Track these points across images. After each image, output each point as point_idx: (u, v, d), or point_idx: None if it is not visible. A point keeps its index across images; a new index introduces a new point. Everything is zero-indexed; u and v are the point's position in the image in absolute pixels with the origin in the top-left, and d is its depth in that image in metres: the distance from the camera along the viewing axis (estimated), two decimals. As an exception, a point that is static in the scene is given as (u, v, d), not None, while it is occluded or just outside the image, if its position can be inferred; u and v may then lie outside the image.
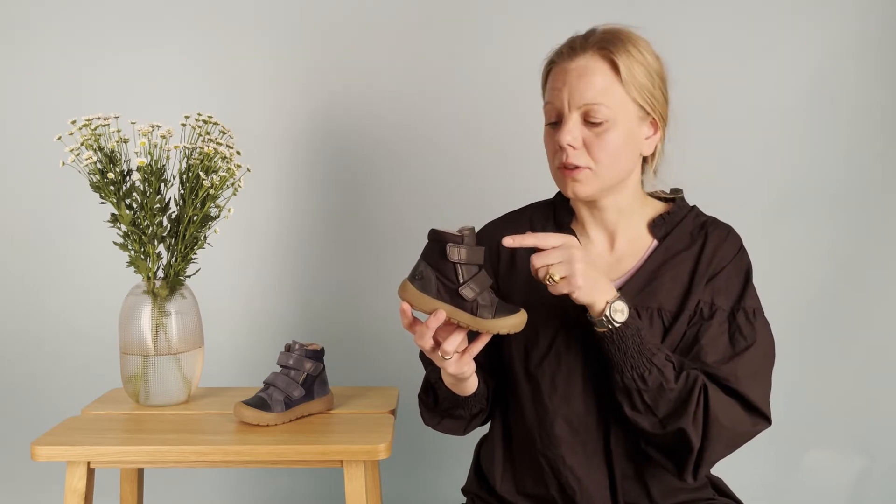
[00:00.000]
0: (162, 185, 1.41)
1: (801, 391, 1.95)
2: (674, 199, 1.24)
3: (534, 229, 1.25)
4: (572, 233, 1.23)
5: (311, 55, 1.95)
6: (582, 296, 1.05)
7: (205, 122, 1.45)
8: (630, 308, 1.08)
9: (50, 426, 1.41)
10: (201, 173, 1.39)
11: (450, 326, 1.06)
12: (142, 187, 1.39)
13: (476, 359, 1.11)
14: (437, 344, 1.07)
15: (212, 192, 1.41)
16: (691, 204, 1.25)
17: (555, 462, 1.18)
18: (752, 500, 1.34)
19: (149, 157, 1.38)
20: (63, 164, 1.39)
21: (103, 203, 1.42)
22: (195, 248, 1.45)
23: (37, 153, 1.90)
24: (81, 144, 1.37)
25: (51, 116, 1.77)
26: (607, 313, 1.06)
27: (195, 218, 1.42)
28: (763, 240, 1.77)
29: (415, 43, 1.94)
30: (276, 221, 1.99)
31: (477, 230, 1.21)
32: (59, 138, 1.39)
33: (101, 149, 1.38)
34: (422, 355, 1.29)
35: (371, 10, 1.94)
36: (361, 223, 1.99)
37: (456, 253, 1.03)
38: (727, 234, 1.19)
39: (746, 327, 1.13)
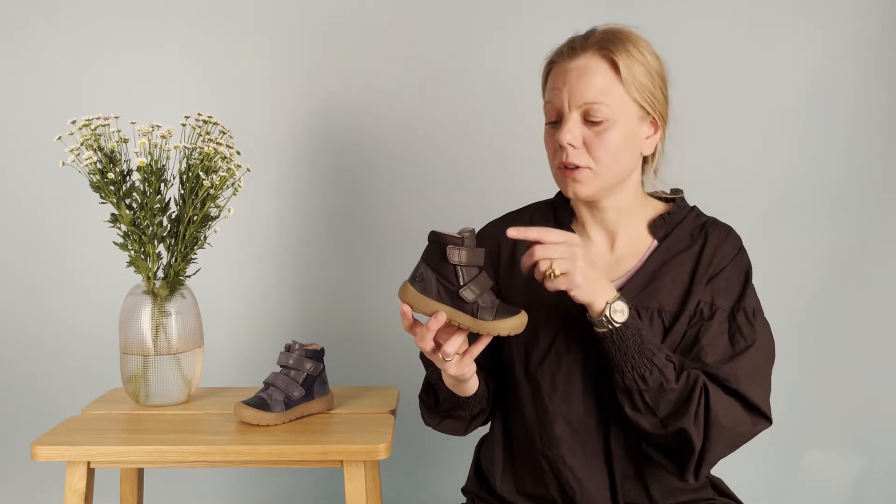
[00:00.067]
0: (162, 185, 1.41)
1: (801, 391, 1.95)
2: (674, 199, 1.24)
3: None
4: (572, 232, 1.23)
5: (311, 55, 1.95)
6: (581, 294, 1.05)
7: (205, 122, 1.45)
8: (630, 308, 1.08)
9: (50, 426, 1.41)
10: (201, 173, 1.39)
11: (450, 328, 1.06)
12: (142, 187, 1.39)
13: (476, 359, 1.11)
14: (438, 346, 1.07)
15: (212, 192, 1.40)
16: (691, 204, 1.25)
17: (555, 462, 1.18)
18: (752, 500, 1.34)
19: (149, 157, 1.38)
20: (63, 164, 1.39)
21: (103, 203, 1.42)
22: (195, 248, 1.45)
23: (37, 153, 1.90)
24: (81, 144, 1.37)
25: (51, 116, 1.77)
26: (607, 313, 1.06)
27: (195, 218, 1.42)
28: (763, 240, 1.78)
29: (415, 43, 1.94)
30: (276, 221, 1.99)
31: (477, 230, 1.21)
32: (59, 138, 1.39)
33: (101, 149, 1.38)
34: (422, 356, 1.29)
35: (371, 10, 1.94)
36: (361, 223, 1.99)
37: (456, 255, 1.03)
38: (727, 235, 1.19)
39: (746, 327, 1.13)
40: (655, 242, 1.20)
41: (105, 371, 1.76)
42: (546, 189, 1.30)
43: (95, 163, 1.38)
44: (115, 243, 1.44)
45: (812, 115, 1.93)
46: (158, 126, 1.40)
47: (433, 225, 1.27)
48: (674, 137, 1.21)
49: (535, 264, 1.05)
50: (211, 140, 1.42)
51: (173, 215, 1.43)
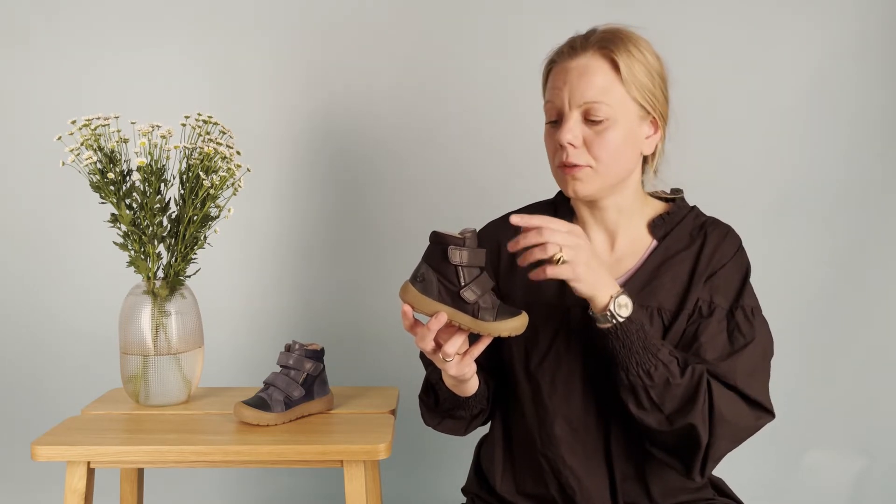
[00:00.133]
0: (162, 185, 1.41)
1: (801, 391, 1.94)
2: (674, 199, 1.24)
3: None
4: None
5: (311, 55, 1.95)
6: (583, 287, 1.04)
7: (205, 122, 1.45)
8: (634, 303, 1.07)
9: (50, 426, 1.41)
10: (201, 173, 1.39)
11: (451, 328, 1.06)
12: (142, 187, 1.39)
13: (476, 359, 1.10)
14: (439, 346, 1.07)
15: (212, 192, 1.40)
16: (691, 204, 1.25)
17: (555, 462, 1.18)
18: (752, 500, 1.34)
19: (149, 157, 1.38)
20: (63, 164, 1.39)
21: (103, 203, 1.42)
22: (195, 248, 1.45)
23: (37, 153, 1.90)
24: (81, 144, 1.37)
25: (51, 116, 1.77)
26: (612, 308, 1.05)
27: (195, 218, 1.42)
28: (763, 240, 1.78)
29: (415, 43, 1.94)
30: (276, 221, 1.99)
31: (477, 231, 1.21)
32: (59, 138, 1.39)
33: (101, 149, 1.38)
34: (422, 356, 1.29)
35: (371, 10, 1.94)
36: (361, 223, 1.99)
37: (458, 255, 1.03)
38: (726, 234, 1.19)
39: (745, 325, 1.13)
40: (655, 242, 1.20)
41: (105, 371, 1.76)
42: (546, 189, 1.30)
43: (95, 163, 1.38)
44: (115, 243, 1.44)
45: (812, 115, 1.93)
46: (158, 126, 1.40)
47: (433, 225, 1.27)
48: (674, 137, 1.21)
49: (530, 249, 1.02)
50: (211, 140, 1.42)
51: (173, 215, 1.43)
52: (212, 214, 1.44)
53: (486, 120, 1.94)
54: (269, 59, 1.95)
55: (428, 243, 1.06)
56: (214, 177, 1.41)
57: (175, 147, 1.40)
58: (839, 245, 1.95)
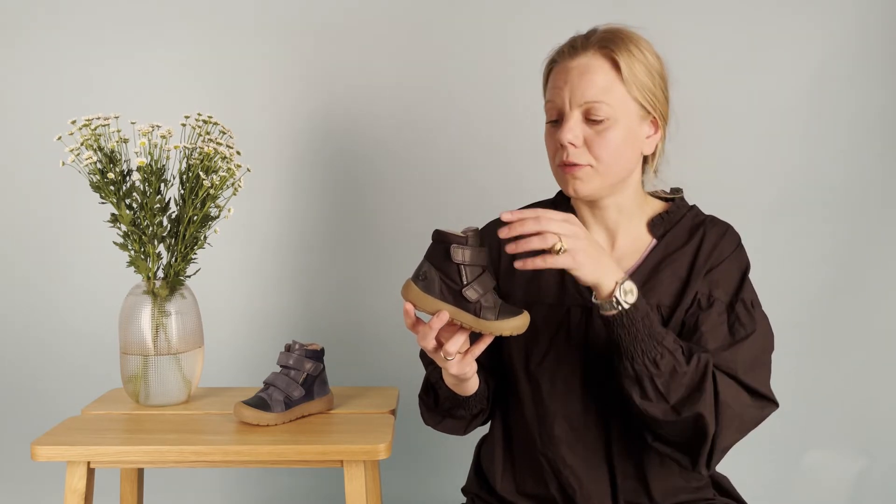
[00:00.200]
0: (162, 185, 1.41)
1: (801, 391, 1.94)
2: (673, 198, 1.25)
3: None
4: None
5: (311, 55, 1.95)
6: (586, 274, 1.02)
7: (205, 122, 1.45)
8: (638, 289, 1.05)
9: (50, 426, 1.41)
10: (201, 173, 1.39)
11: (452, 327, 1.06)
12: (142, 187, 1.39)
13: (477, 358, 1.10)
14: (440, 344, 1.07)
15: (212, 192, 1.40)
16: (691, 203, 1.25)
17: (555, 462, 1.18)
18: (753, 500, 1.34)
19: (149, 157, 1.38)
20: (63, 164, 1.39)
21: (103, 203, 1.42)
22: (195, 248, 1.45)
23: (37, 153, 1.90)
24: (81, 144, 1.37)
25: (51, 116, 1.77)
26: (617, 294, 1.03)
27: (195, 218, 1.42)
28: (763, 239, 1.78)
29: (415, 43, 1.94)
30: (276, 221, 1.99)
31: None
32: (59, 138, 1.39)
33: (101, 149, 1.38)
34: (422, 355, 1.29)
35: (371, 10, 1.94)
36: (362, 223, 1.99)
37: (460, 254, 1.03)
38: (725, 231, 1.19)
39: (745, 317, 1.13)
40: (654, 241, 1.20)
41: (105, 371, 1.76)
42: (546, 189, 1.30)
43: (95, 163, 1.37)
44: (115, 243, 1.44)
45: (812, 115, 1.93)
46: (158, 126, 1.40)
47: (433, 224, 1.27)
48: (674, 137, 1.21)
49: (526, 238, 0.99)
50: (211, 140, 1.42)
51: (173, 215, 1.43)
52: (212, 214, 1.44)
53: (486, 120, 1.94)
54: (269, 59, 1.95)
55: (429, 243, 1.06)
56: (214, 177, 1.41)
57: (175, 147, 1.40)
58: (839, 245, 1.95)
